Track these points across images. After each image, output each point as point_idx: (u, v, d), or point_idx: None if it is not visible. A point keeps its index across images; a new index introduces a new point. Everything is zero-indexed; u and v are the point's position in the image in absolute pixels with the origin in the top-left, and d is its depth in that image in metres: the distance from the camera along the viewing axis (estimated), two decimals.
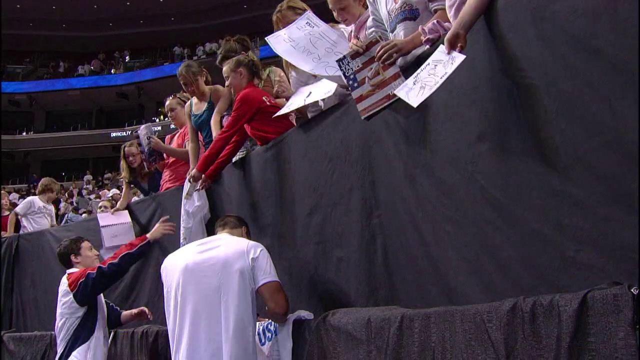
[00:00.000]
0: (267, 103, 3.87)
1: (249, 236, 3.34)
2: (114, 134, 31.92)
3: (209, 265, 3.01)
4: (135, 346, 4.61)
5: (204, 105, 4.83)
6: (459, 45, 2.37)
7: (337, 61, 2.97)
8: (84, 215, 13.57)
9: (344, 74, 2.96)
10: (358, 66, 2.92)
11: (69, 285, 4.06)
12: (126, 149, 5.74)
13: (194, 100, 4.94)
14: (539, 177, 2.11)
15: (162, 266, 3.25)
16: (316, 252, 3.29)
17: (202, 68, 5.04)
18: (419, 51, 2.81)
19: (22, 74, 34.79)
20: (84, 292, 4.02)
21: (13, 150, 34.17)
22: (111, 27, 34.46)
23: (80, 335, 4.03)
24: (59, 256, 4.42)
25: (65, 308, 4.06)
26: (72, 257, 4.35)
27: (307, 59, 3.29)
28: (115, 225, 5.32)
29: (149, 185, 5.84)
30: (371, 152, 2.97)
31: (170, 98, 5.65)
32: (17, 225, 8.00)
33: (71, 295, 4.02)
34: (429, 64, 2.48)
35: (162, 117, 30.64)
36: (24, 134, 34.53)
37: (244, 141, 4.13)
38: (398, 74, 2.77)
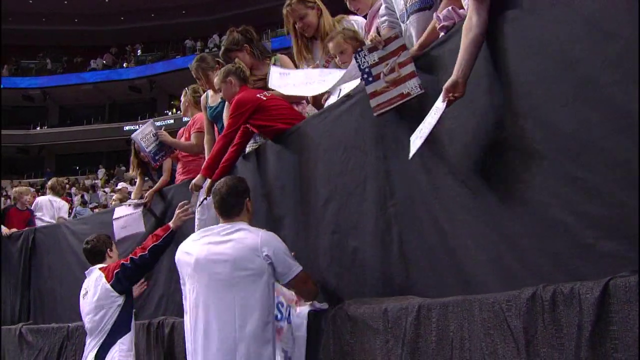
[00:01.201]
0: (264, 98, 3.87)
1: (251, 205, 3.26)
2: (127, 128, 31.98)
3: (219, 262, 3.01)
4: (152, 337, 4.64)
5: (220, 97, 4.82)
6: (455, 94, 2.36)
7: (354, 53, 2.95)
8: (96, 210, 13.67)
9: (359, 67, 2.92)
10: (374, 60, 2.88)
11: (106, 277, 4.12)
12: (136, 145, 5.63)
13: (210, 92, 4.93)
14: (555, 164, 2.08)
15: (176, 257, 3.27)
16: (331, 242, 3.27)
17: (216, 61, 5.02)
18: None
19: (36, 69, 34.99)
20: (122, 281, 4.09)
21: (27, 145, 34.47)
22: (123, 21, 34.54)
23: (122, 324, 4.10)
24: (92, 250, 4.45)
25: (102, 299, 4.10)
26: (108, 251, 4.45)
27: (311, 86, 3.35)
28: (124, 216, 5.32)
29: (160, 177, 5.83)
30: (385, 141, 2.95)
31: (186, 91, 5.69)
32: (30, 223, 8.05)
33: (109, 286, 4.08)
34: (432, 110, 2.48)
35: (174, 110, 30.77)
36: (38, 128, 34.78)
37: (247, 142, 4.15)
38: (413, 73, 2.73)
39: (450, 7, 2.70)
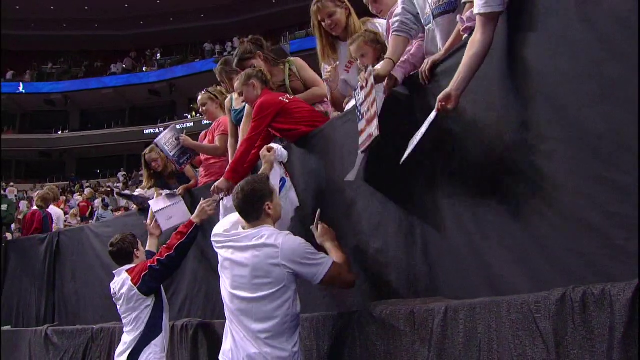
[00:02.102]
0: (286, 101, 3.87)
1: (273, 208, 3.12)
2: (147, 131, 32.24)
3: (241, 267, 3.01)
4: (176, 339, 4.67)
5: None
6: (448, 106, 2.41)
7: (354, 90, 3.02)
8: (117, 212, 13.79)
9: (356, 104, 3.01)
10: (362, 99, 2.94)
11: (132, 280, 4.14)
12: (147, 156, 5.61)
13: (235, 95, 4.94)
14: (583, 164, 2.07)
15: (212, 238, 3.27)
16: (355, 244, 3.28)
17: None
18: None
19: (57, 73, 35.39)
20: (148, 284, 4.11)
21: (49, 149, 34.89)
22: (142, 25, 34.81)
23: (154, 325, 4.12)
24: (119, 252, 4.43)
25: (132, 303, 4.14)
26: (135, 252, 4.44)
27: None
28: (167, 207, 5.30)
29: (180, 184, 5.80)
30: (408, 142, 2.94)
31: (202, 93, 5.62)
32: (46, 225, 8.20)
33: (136, 289, 4.11)
34: (427, 120, 2.52)
35: (193, 113, 30.91)
36: (60, 132, 35.16)
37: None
38: (375, 114, 2.73)
39: (473, 9, 2.69)
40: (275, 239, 2.95)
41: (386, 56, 3.08)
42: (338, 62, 3.92)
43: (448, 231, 2.69)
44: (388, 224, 3.06)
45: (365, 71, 2.93)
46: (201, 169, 5.55)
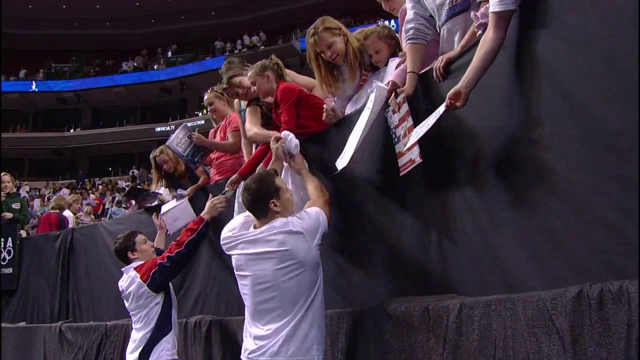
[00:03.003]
0: (305, 91, 3.85)
1: (280, 204, 3.09)
2: (158, 129, 32.42)
3: (260, 271, 2.99)
4: (189, 336, 4.69)
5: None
6: (457, 103, 2.43)
7: (385, 112, 3.05)
8: (127, 210, 13.89)
9: (390, 126, 3.03)
10: (396, 122, 2.96)
11: (141, 277, 4.14)
12: (157, 158, 5.64)
13: None
14: (599, 161, 2.06)
15: (222, 242, 3.24)
16: (370, 240, 3.28)
17: (244, 64, 5.02)
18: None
19: (69, 72, 35.63)
20: (158, 281, 4.11)
21: (62, 146, 35.11)
22: (153, 24, 34.95)
23: (165, 322, 4.14)
24: (116, 254, 4.50)
25: (142, 300, 4.15)
26: (130, 254, 4.41)
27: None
28: (173, 208, 5.31)
29: (192, 184, 5.80)
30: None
31: (209, 92, 5.61)
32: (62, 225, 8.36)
33: (145, 287, 4.11)
34: (434, 113, 2.57)
35: (204, 111, 30.97)
36: (72, 130, 35.38)
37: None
38: (416, 142, 2.74)
39: (488, 5, 2.69)
40: (291, 225, 2.96)
41: (408, 70, 3.06)
42: (335, 99, 3.89)
43: (462, 228, 2.69)
44: (403, 220, 3.06)
45: (397, 97, 2.95)
46: (212, 168, 5.55)
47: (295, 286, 2.90)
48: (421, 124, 2.64)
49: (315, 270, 2.98)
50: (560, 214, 2.20)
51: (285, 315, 2.89)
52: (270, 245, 2.95)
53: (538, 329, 2.07)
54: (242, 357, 3.01)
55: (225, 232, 3.23)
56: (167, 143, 5.17)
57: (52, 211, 8.81)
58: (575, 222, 2.14)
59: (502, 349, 2.21)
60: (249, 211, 3.15)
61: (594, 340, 1.85)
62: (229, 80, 4.59)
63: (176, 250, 4.10)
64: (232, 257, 3.16)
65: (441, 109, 2.52)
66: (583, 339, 1.88)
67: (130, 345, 4.20)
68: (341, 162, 3.16)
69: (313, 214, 3.03)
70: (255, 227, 3.10)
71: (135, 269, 4.27)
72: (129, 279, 4.25)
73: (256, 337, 2.96)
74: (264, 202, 3.04)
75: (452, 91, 2.44)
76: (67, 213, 8.93)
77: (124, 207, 14.81)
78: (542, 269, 2.28)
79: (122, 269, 4.44)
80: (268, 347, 2.88)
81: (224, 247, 3.22)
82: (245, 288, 3.07)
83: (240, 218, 3.29)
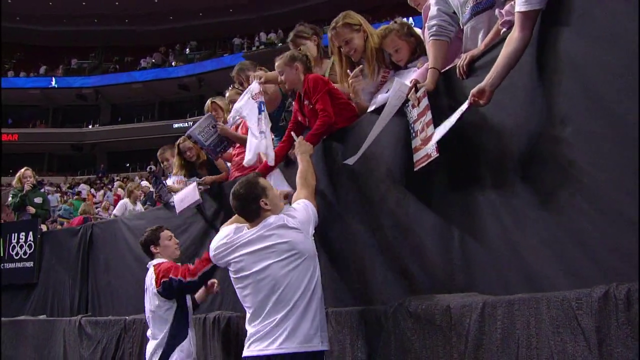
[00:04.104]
0: (333, 85, 3.84)
1: (269, 202, 3.21)
2: (176, 125, 32.61)
3: (262, 267, 3.04)
4: (208, 333, 4.70)
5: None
6: (481, 101, 2.44)
7: (404, 107, 3.04)
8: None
9: (409, 121, 3.03)
10: (415, 117, 2.96)
11: (155, 280, 4.16)
12: (181, 145, 5.71)
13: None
14: (624, 159, 2.04)
15: (215, 252, 3.32)
16: (391, 238, 3.26)
17: (255, 65, 5.02)
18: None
19: (88, 68, 35.95)
20: (166, 292, 4.11)
21: (81, 142, 35.44)
22: (171, 20, 35.14)
23: (179, 330, 4.13)
24: (142, 246, 4.53)
25: (156, 300, 4.17)
26: (152, 248, 4.44)
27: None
28: (182, 189, 5.37)
29: (210, 174, 5.82)
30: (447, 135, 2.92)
31: (230, 89, 5.61)
32: None
33: (156, 291, 4.13)
34: (457, 110, 2.57)
35: None
36: (91, 126, 35.70)
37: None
38: (432, 135, 2.74)
39: (513, 2, 2.66)
40: (285, 220, 3.09)
41: (430, 66, 3.06)
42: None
43: (485, 226, 2.67)
44: (424, 218, 3.04)
45: (417, 91, 2.94)
46: (232, 165, 5.55)
47: (297, 277, 2.98)
48: (443, 124, 2.63)
49: (314, 259, 3.09)
50: (586, 212, 2.17)
51: (289, 306, 2.94)
52: (269, 240, 3.06)
53: (563, 329, 2.05)
54: (248, 352, 3.04)
55: (217, 242, 3.31)
56: (189, 132, 5.19)
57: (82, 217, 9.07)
58: (601, 221, 2.11)
59: (526, 349, 2.19)
60: (241, 215, 3.27)
61: (621, 341, 1.82)
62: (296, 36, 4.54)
63: (189, 279, 4.04)
64: (231, 262, 3.21)
65: (464, 106, 2.51)
66: (609, 340, 1.86)
67: (149, 351, 4.20)
68: (352, 158, 3.22)
69: (301, 208, 3.17)
70: (248, 229, 3.19)
71: (154, 266, 4.29)
72: (150, 275, 4.27)
73: (261, 332, 2.99)
74: (255, 203, 3.17)
75: (476, 89, 2.44)
76: (124, 201, 9.25)
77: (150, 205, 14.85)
78: (566, 268, 2.25)
79: (148, 265, 4.46)
80: (275, 338, 2.93)
81: (218, 257, 3.29)
82: (246, 289, 3.13)
83: (229, 228, 3.33)
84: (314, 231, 3.17)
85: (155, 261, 4.37)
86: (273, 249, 3.03)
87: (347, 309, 3.36)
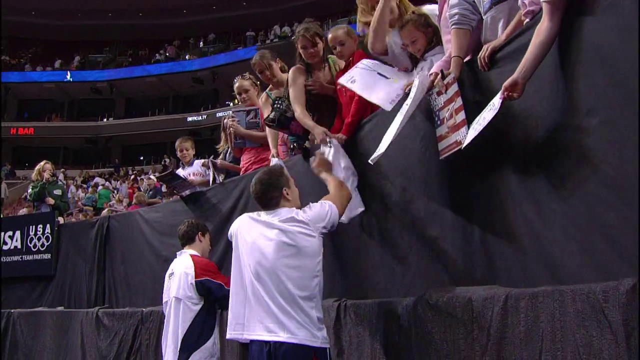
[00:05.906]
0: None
1: (291, 193, 3.27)
2: (190, 119, 32.72)
3: (260, 253, 3.06)
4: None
5: (281, 92, 4.77)
6: (514, 94, 2.41)
7: (428, 95, 3.00)
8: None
9: (432, 109, 2.99)
10: (441, 104, 2.92)
11: (196, 269, 4.06)
12: (224, 120, 5.56)
13: (268, 90, 4.95)
14: None
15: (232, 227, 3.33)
16: (411, 231, 3.25)
17: (275, 56, 5.00)
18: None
19: (103, 62, 36.11)
20: (204, 289, 4.02)
21: (96, 135, 35.63)
22: (185, 14, 35.19)
23: (203, 330, 3.99)
24: (189, 227, 4.42)
25: (186, 291, 4.03)
26: (199, 235, 4.40)
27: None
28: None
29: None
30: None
31: (239, 78, 5.57)
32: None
33: (194, 282, 4.02)
34: (489, 105, 2.53)
35: (235, 101, 31.11)
36: (105, 120, 35.87)
37: None
38: (464, 121, 2.71)
39: None
40: (295, 212, 3.09)
41: (453, 54, 3.02)
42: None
43: (507, 219, 2.65)
44: (445, 211, 3.03)
45: (444, 79, 2.91)
46: (245, 157, 5.53)
47: (295, 272, 2.96)
48: (476, 120, 2.59)
49: (316, 257, 3.03)
50: (612, 205, 2.15)
51: (290, 300, 2.92)
52: (272, 231, 3.05)
53: (589, 322, 2.02)
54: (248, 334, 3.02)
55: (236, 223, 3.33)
56: (232, 111, 5.30)
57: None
58: (628, 214, 2.08)
59: (550, 342, 2.17)
60: (260, 202, 3.25)
61: None
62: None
63: (223, 295, 3.87)
64: (241, 236, 3.21)
65: (496, 101, 2.46)
66: (637, 334, 1.84)
67: (168, 347, 4.05)
68: (375, 155, 3.16)
69: (318, 205, 3.14)
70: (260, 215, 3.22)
71: (192, 255, 4.22)
72: (183, 263, 4.15)
73: (266, 327, 2.97)
74: (277, 190, 3.20)
75: (508, 82, 2.40)
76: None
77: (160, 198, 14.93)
78: (592, 261, 2.23)
79: (177, 252, 4.40)
80: (279, 332, 2.91)
81: (233, 230, 3.29)
82: (244, 270, 3.11)
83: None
84: (325, 230, 3.09)
85: (191, 251, 4.31)
86: (273, 239, 3.02)
87: (367, 302, 3.35)
